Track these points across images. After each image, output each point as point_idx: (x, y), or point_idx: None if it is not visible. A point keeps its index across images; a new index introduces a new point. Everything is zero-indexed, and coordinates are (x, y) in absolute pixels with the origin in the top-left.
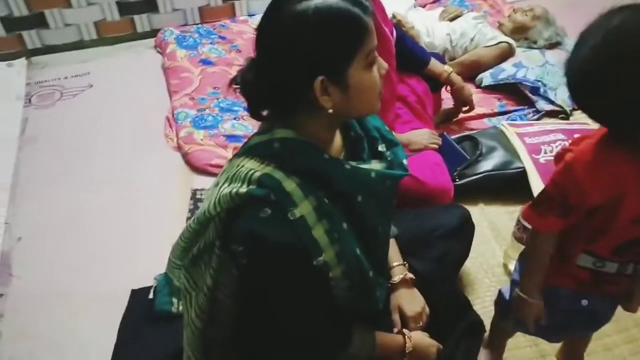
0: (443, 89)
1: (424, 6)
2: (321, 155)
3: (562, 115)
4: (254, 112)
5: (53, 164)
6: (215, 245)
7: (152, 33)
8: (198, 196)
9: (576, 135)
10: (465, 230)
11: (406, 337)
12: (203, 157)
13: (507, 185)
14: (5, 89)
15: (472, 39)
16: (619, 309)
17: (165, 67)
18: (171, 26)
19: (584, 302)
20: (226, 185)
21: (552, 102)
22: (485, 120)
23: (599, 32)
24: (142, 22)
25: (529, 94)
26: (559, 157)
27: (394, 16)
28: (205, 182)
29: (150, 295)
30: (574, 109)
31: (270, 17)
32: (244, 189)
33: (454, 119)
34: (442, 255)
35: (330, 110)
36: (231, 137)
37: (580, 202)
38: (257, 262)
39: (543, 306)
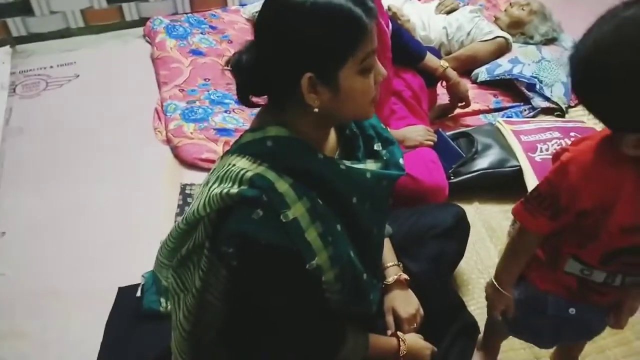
0: (439, 84)
1: None
2: (315, 155)
3: (558, 113)
4: (241, 96)
5: (38, 156)
6: (205, 247)
7: (141, 22)
8: (187, 191)
9: (572, 134)
10: (460, 230)
11: (400, 340)
12: (193, 151)
13: (502, 184)
14: None
15: (468, 33)
16: None
17: (154, 57)
18: (160, 15)
19: (572, 310)
20: (216, 185)
21: (548, 99)
22: (481, 116)
23: (612, 20)
24: (130, 10)
25: (525, 91)
26: (556, 156)
27: (389, 8)
28: (195, 176)
29: (138, 294)
30: (569, 107)
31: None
32: (235, 190)
33: (450, 115)
34: (436, 255)
35: (316, 110)
36: (222, 131)
37: (570, 204)
38: (248, 264)
39: (512, 300)
